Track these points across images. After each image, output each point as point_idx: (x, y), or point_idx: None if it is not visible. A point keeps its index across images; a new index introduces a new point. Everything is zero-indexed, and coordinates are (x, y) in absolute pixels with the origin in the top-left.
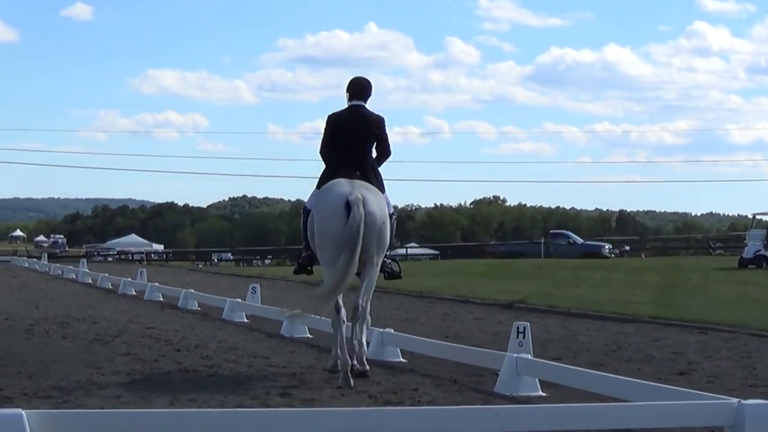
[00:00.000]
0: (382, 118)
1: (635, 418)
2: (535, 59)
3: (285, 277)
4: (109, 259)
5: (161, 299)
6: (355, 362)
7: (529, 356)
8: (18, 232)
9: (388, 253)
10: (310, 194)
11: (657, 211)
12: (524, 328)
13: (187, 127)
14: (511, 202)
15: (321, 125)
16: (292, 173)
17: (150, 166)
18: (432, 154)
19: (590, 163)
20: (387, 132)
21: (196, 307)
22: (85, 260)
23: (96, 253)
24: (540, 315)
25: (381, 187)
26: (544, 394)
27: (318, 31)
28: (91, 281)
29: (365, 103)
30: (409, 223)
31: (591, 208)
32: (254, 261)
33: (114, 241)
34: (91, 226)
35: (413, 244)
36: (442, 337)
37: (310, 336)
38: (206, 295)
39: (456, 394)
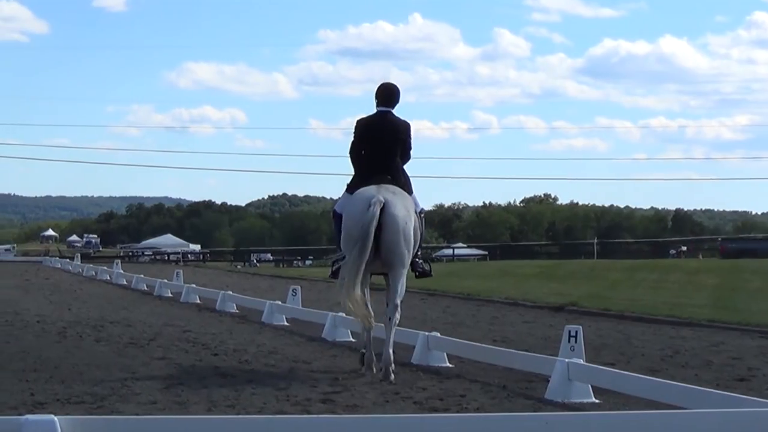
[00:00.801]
0: (409, 125)
1: (692, 426)
2: (587, 51)
3: (327, 278)
4: (144, 259)
5: (198, 301)
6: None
7: (582, 361)
8: (50, 232)
9: (418, 252)
10: (340, 199)
11: (715, 209)
12: (576, 331)
13: (224, 123)
14: (563, 200)
15: None
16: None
17: (186, 163)
18: (480, 150)
19: (645, 159)
20: (411, 138)
21: (234, 309)
22: (119, 261)
23: (131, 253)
24: (593, 318)
25: (409, 189)
26: (597, 401)
27: (360, 23)
28: (125, 282)
29: (393, 109)
30: (457, 222)
31: (646, 206)
32: (295, 262)
33: (149, 241)
34: (126, 225)
35: (460, 244)
36: (490, 341)
37: (353, 340)
38: (245, 297)
39: (505, 400)
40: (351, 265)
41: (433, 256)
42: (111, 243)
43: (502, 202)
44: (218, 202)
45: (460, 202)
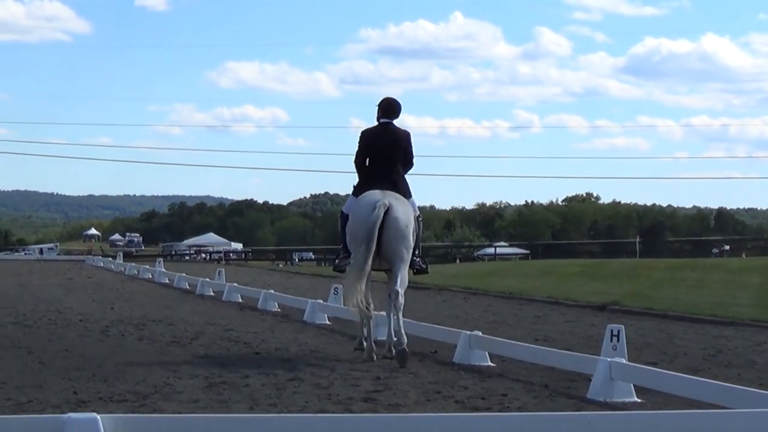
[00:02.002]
0: (409, 134)
1: (735, 426)
2: (629, 50)
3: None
4: (186, 258)
5: (240, 300)
6: (399, 347)
7: (624, 360)
8: (93, 231)
9: (416, 252)
10: (347, 201)
11: (758, 208)
12: (618, 331)
13: (266, 122)
14: (605, 199)
15: (407, 119)
16: None
17: (228, 162)
18: (521, 149)
19: (687, 158)
20: (412, 146)
21: (276, 308)
22: (161, 260)
23: (173, 252)
24: (635, 317)
25: (408, 194)
26: (639, 401)
27: (401, 21)
28: (167, 281)
29: (394, 120)
30: (498, 221)
31: (688, 205)
32: (336, 261)
33: (191, 239)
34: (168, 224)
35: (502, 243)
36: (532, 340)
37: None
38: (287, 296)
39: (547, 399)
40: (358, 262)
41: (475, 255)
42: (153, 242)
43: (544, 200)
44: (260, 200)
45: (501, 201)
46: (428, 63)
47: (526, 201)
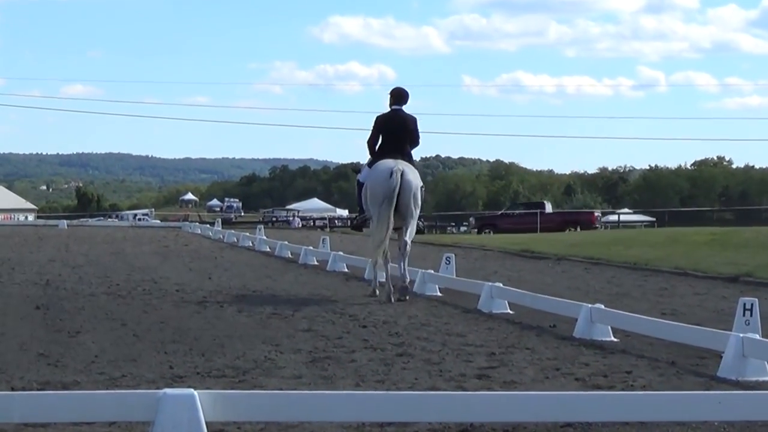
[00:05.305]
0: (416, 118)
1: None
2: (762, 2)
3: (483, 245)
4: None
5: (346, 270)
6: (403, 284)
7: (758, 336)
8: (189, 196)
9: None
10: (362, 171)
11: None
12: (752, 304)
13: (372, 80)
14: (737, 163)
15: (522, 76)
16: (490, 130)
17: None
18: (646, 109)
19: None
20: (418, 128)
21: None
22: (262, 226)
23: (274, 219)
24: None
25: (414, 166)
26: None
27: None
28: (268, 250)
29: (402, 106)
30: (622, 186)
31: None
32: (449, 228)
33: (294, 205)
34: (269, 189)
35: (626, 210)
36: (658, 314)
37: (511, 312)
38: (394, 267)
39: (674, 377)
40: (381, 218)
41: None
42: (253, 208)
43: (671, 164)
44: None
45: (625, 165)
46: (544, 17)
47: (651, 165)
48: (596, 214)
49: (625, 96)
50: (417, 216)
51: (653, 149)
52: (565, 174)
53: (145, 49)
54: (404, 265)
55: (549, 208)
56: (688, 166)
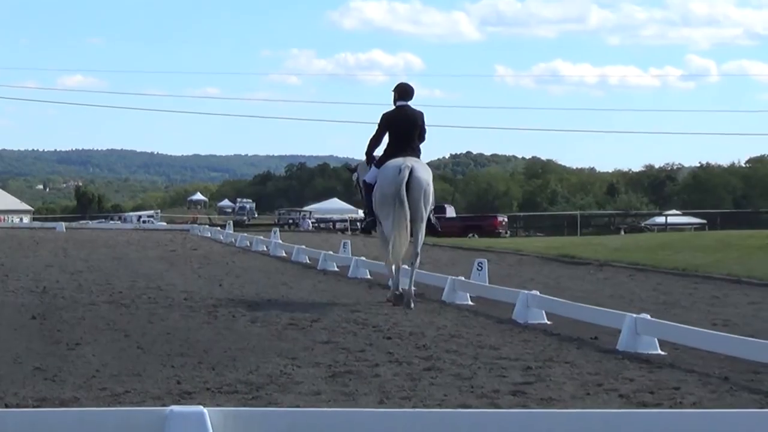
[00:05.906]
0: (422, 113)
1: None
2: None
3: (519, 250)
4: (299, 226)
5: (369, 276)
6: (407, 301)
7: None
8: (198, 196)
9: (431, 209)
10: (369, 172)
11: None
12: None
13: (397, 69)
14: None
15: (561, 66)
16: (525, 125)
17: (354, 117)
18: (696, 101)
19: None
20: (425, 124)
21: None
22: (277, 229)
23: (290, 221)
24: None
25: None
26: None
27: None
28: (284, 254)
29: (408, 102)
30: (670, 185)
31: None
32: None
33: (313, 206)
34: (285, 188)
35: (674, 211)
36: (709, 324)
37: (549, 322)
38: (422, 272)
39: (726, 394)
40: (397, 217)
41: (642, 224)
42: (268, 209)
43: (724, 162)
44: None
45: (673, 163)
46: (585, 0)
47: (701, 162)
48: (500, 219)
49: (673, 87)
50: (426, 217)
51: (704, 145)
52: (607, 172)
53: (150, 35)
54: (413, 279)
55: (451, 212)
56: (742, 164)
